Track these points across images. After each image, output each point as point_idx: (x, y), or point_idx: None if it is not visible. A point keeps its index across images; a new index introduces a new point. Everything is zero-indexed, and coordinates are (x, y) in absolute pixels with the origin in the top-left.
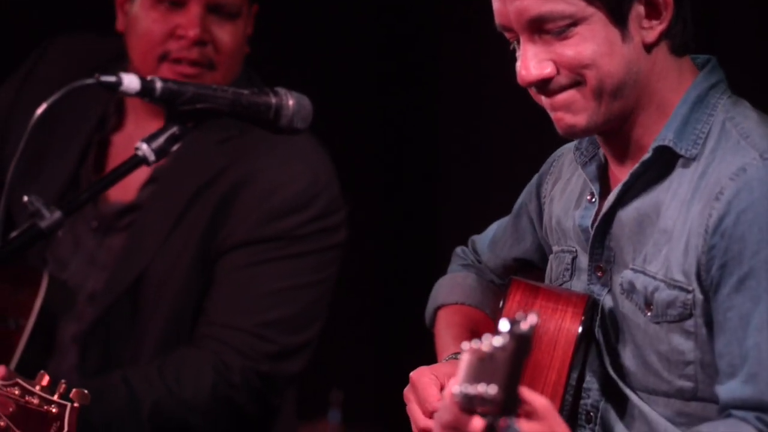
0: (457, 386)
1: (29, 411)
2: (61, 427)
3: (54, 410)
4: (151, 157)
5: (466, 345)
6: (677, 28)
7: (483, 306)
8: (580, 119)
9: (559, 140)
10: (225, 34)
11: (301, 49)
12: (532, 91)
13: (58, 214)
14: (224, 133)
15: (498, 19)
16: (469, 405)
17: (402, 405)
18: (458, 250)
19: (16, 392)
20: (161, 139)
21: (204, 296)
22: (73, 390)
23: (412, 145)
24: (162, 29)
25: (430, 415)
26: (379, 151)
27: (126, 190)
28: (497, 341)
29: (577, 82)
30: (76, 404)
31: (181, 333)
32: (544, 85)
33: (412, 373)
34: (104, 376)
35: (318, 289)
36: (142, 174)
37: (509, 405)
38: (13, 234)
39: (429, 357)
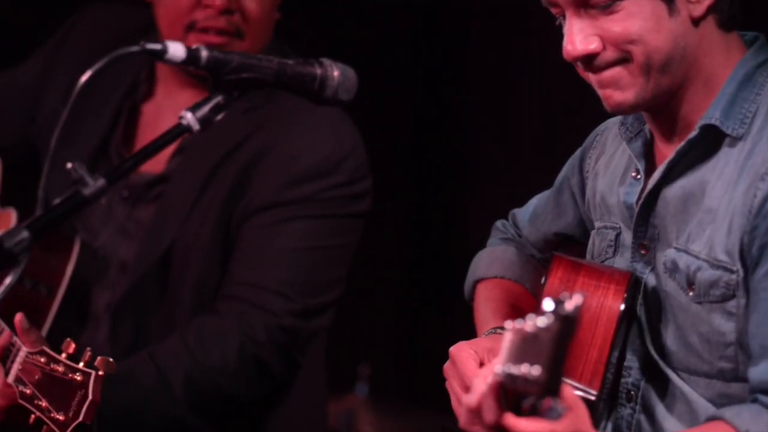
0: (499, 366)
1: (54, 378)
2: (86, 395)
3: (78, 378)
4: (196, 126)
5: (509, 324)
6: (724, 2)
7: (523, 280)
8: (628, 95)
9: (586, 122)
10: (252, 1)
11: (330, 20)
12: (579, 68)
13: (101, 181)
14: (250, 103)
15: None
16: (512, 385)
17: (428, 379)
18: (498, 223)
19: (42, 360)
20: (206, 108)
21: (228, 262)
22: (98, 358)
23: (441, 119)
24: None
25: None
26: (407, 124)
27: (156, 161)
28: (542, 321)
29: (624, 59)
30: (100, 372)
31: (209, 301)
32: (589, 60)
33: (451, 348)
34: (131, 358)
35: (338, 253)
36: (171, 145)
37: (552, 386)
38: (56, 201)
39: (458, 331)
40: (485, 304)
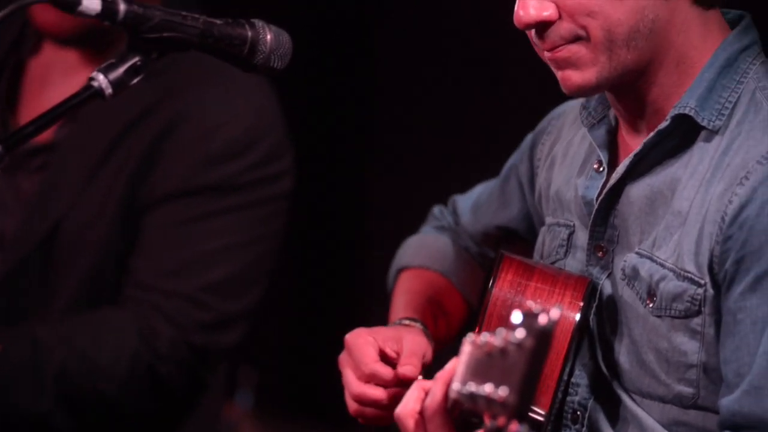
0: (457, 383)
1: None
2: None
3: None
4: (108, 90)
5: (469, 336)
6: None
7: (449, 274)
8: (589, 76)
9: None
10: None
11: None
12: (534, 43)
13: None
14: (154, 67)
15: None
16: (471, 406)
17: (322, 387)
18: (435, 210)
19: None
20: (120, 70)
21: (128, 251)
22: None
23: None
24: None
25: (366, 379)
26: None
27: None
28: (513, 336)
29: (579, 37)
30: None
31: (100, 292)
32: (543, 29)
33: (347, 336)
34: (7, 329)
35: (260, 246)
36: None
37: (522, 410)
38: None
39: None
40: (401, 295)
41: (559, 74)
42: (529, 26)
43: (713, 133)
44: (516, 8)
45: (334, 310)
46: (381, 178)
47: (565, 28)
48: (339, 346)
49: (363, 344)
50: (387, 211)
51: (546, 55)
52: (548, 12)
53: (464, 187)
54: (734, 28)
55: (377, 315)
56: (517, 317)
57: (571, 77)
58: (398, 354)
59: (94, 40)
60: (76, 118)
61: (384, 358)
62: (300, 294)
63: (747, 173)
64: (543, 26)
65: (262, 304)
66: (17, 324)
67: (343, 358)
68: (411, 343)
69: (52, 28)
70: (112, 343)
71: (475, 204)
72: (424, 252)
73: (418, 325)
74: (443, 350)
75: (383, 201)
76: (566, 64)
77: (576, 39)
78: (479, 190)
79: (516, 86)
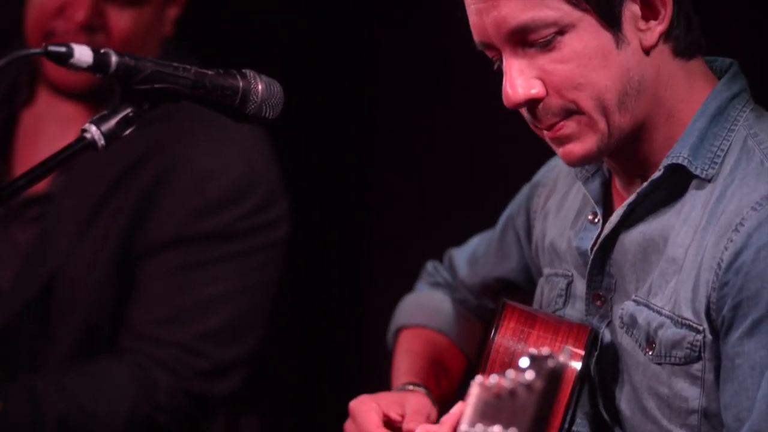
0: (465, 425)
1: None
2: None
3: None
4: (101, 141)
5: (478, 378)
6: (680, 28)
7: (448, 330)
8: (590, 145)
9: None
10: (124, 21)
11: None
12: (529, 121)
13: None
14: (149, 116)
15: (476, 36)
16: None
17: None
18: (429, 266)
19: None
20: (112, 122)
21: (124, 301)
22: None
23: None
24: (54, 3)
25: None
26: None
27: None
28: (523, 378)
29: (571, 111)
30: None
31: (97, 342)
32: (532, 107)
33: (351, 403)
34: (8, 384)
35: (256, 293)
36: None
37: None
38: None
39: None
40: (402, 357)
41: (560, 150)
42: (519, 105)
43: (706, 181)
44: (504, 88)
45: (337, 359)
46: (379, 232)
47: (554, 104)
48: (342, 394)
49: (366, 411)
50: (387, 263)
51: (545, 134)
52: (536, 89)
53: (460, 239)
54: (722, 76)
55: (379, 366)
56: (525, 361)
57: (572, 150)
58: (402, 417)
59: (98, 94)
60: (71, 167)
61: (388, 423)
62: (303, 342)
63: (742, 219)
64: (532, 104)
65: (263, 350)
66: (15, 375)
67: (348, 425)
68: (415, 404)
69: (67, 84)
70: (111, 396)
71: (472, 256)
72: (421, 310)
73: (421, 390)
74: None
75: (383, 255)
76: (566, 139)
77: (569, 114)
78: (476, 242)
79: (511, 139)
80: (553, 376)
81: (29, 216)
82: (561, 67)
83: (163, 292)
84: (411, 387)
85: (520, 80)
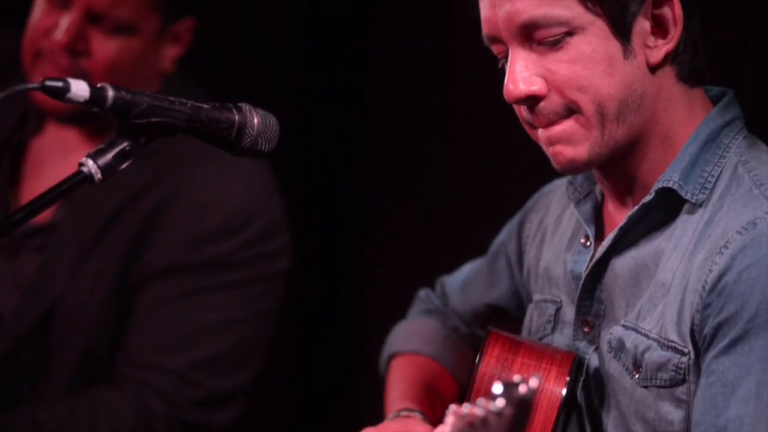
0: None
1: None
2: None
3: None
4: (98, 175)
5: (452, 408)
6: (686, 53)
7: (440, 357)
8: (581, 151)
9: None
10: (109, 48)
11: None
12: (524, 119)
13: None
14: (149, 147)
15: (486, 29)
16: None
17: None
18: (421, 293)
19: None
20: (109, 156)
21: (122, 328)
22: None
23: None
24: (43, 24)
25: None
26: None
27: None
28: (494, 405)
29: (572, 111)
30: None
31: (95, 370)
32: (532, 105)
33: None
34: (9, 414)
35: (253, 323)
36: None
37: None
38: None
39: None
40: (396, 384)
41: (550, 150)
42: (519, 100)
43: (696, 206)
44: (505, 83)
45: (336, 389)
46: (378, 260)
47: (556, 102)
48: (341, 424)
49: None
50: (387, 290)
51: (539, 132)
52: (537, 86)
53: (453, 266)
54: (717, 104)
55: (378, 394)
56: (497, 388)
57: (563, 152)
58: None
59: (93, 118)
60: (73, 198)
61: None
62: (301, 372)
63: (726, 242)
64: (533, 101)
65: (262, 381)
66: (15, 404)
67: None
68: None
69: (51, 108)
70: (110, 425)
71: (463, 283)
72: (414, 337)
73: (417, 415)
74: None
75: (382, 285)
76: (559, 139)
77: (569, 113)
78: (467, 269)
79: (506, 167)
80: (522, 403)
81: (33, 245)
82: (566, 68)
83: (158, 320)
84: (406, 413)
85: (523, 75)
